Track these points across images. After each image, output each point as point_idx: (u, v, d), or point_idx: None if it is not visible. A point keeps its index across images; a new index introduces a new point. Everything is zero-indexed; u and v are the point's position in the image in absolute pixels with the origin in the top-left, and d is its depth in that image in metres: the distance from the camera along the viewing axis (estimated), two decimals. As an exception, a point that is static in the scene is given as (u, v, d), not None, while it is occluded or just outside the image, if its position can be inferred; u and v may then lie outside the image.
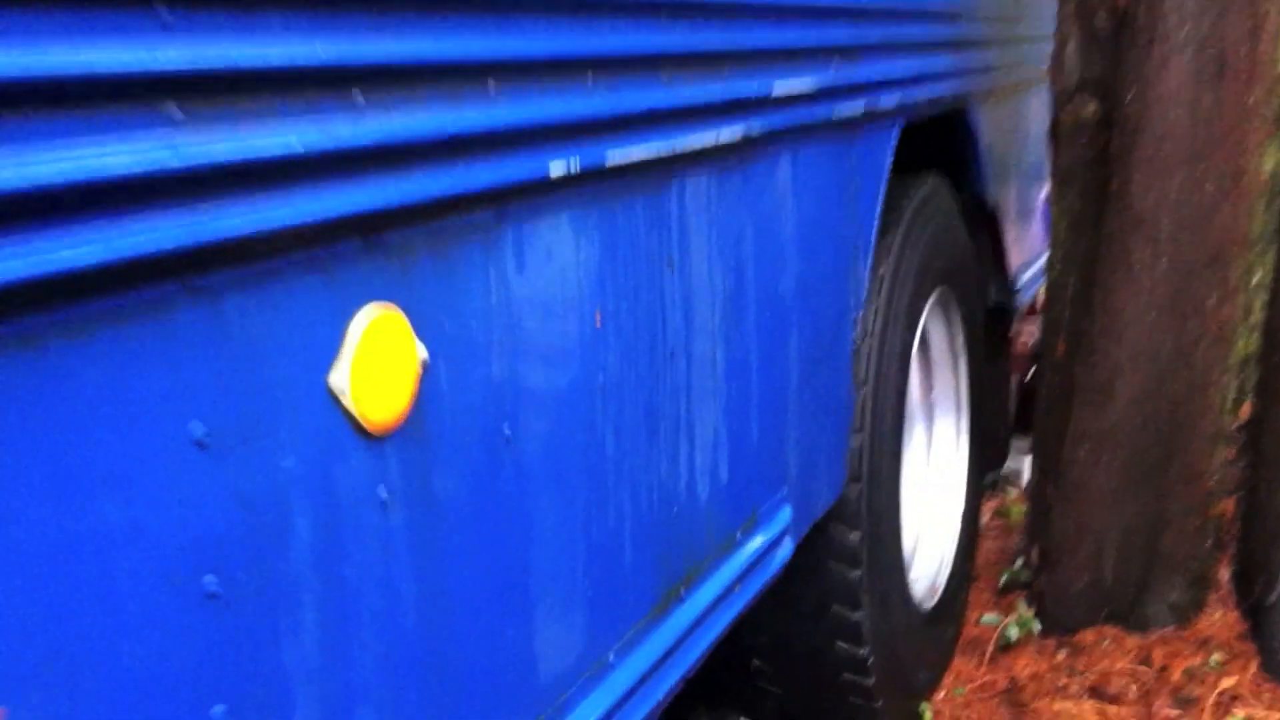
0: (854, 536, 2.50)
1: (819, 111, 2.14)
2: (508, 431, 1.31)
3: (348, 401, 1.04)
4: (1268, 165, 2.94)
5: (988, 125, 3.32)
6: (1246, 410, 3.08)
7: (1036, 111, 4.03)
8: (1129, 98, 2.94)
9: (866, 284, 2.49)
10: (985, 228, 3.48)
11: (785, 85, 1.97)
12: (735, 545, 1.94)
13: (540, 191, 1.34)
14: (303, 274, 0.99)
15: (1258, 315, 3.03)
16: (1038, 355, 4.54)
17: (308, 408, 1.01)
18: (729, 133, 1.77)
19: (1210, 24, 2.83)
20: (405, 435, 1.14)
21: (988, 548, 3.78)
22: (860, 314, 2.46)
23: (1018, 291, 3.82)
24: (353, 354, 1.04)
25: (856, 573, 2.51)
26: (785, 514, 2.09)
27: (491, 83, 1.22)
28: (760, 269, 1.98)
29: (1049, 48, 3.22)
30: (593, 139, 1.42)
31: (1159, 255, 2.96)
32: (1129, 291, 3.01)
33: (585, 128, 1.40)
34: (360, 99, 1.01)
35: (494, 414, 1.29)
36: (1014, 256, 3.73)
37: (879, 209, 2.52)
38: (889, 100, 2.47)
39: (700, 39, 1.67)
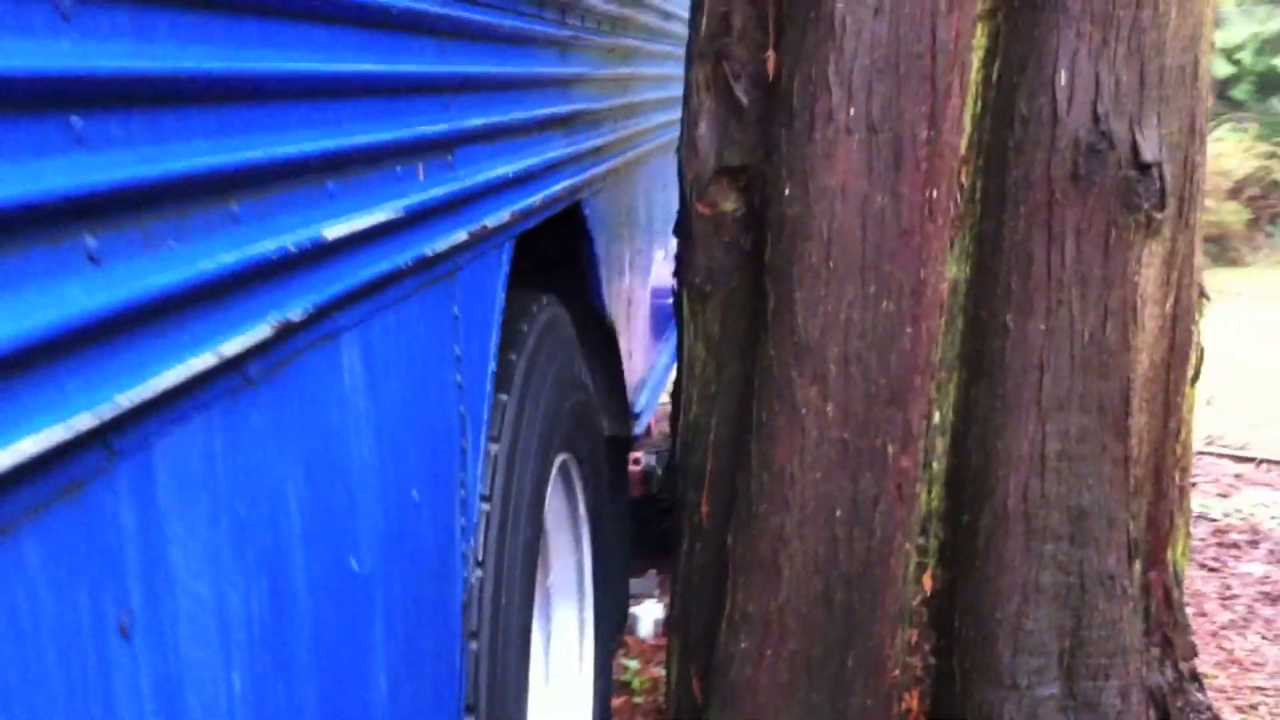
0: None
1: (402, 251, 1.36)
2: None
3: None
4: (950, 276, 2.46)
5: (604, 219, 2.67)
6: (928, 581, 2.60)
7: (652, 186, 3.46)
8: (787, 192, 2.38)
9: (481, 487, 1.73)
10: (601, 346, 2.82)
11: (345, 221, 1.17)
12: None
13: None
14: None
15: (940, 463, 2.55)
16: (648, 475, 3.99)
17: None
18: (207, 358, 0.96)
19: (883, 101, 2.32)
20: None
21: (612, 745, 3.11)
22: (475, 540, 1.70)
23: (637, 417, 3.19)
24: None
25: None
26: None
27: None
28: (271, 565, 1.16)
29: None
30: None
31: (828, 394, 2.41)
32: (794, 441, 2.44)
33: None
34: None
35: None
36: (631, 376, 3.11)
37: (492, 368, 1.77)
38: (501, 211, 1.74)
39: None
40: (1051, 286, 2.38)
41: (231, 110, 0.97)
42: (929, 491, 2.56)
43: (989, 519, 2.47)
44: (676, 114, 4.08)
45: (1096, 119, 2.32)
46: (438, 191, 1.47)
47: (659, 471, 3.93)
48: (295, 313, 1.05)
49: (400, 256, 1.34)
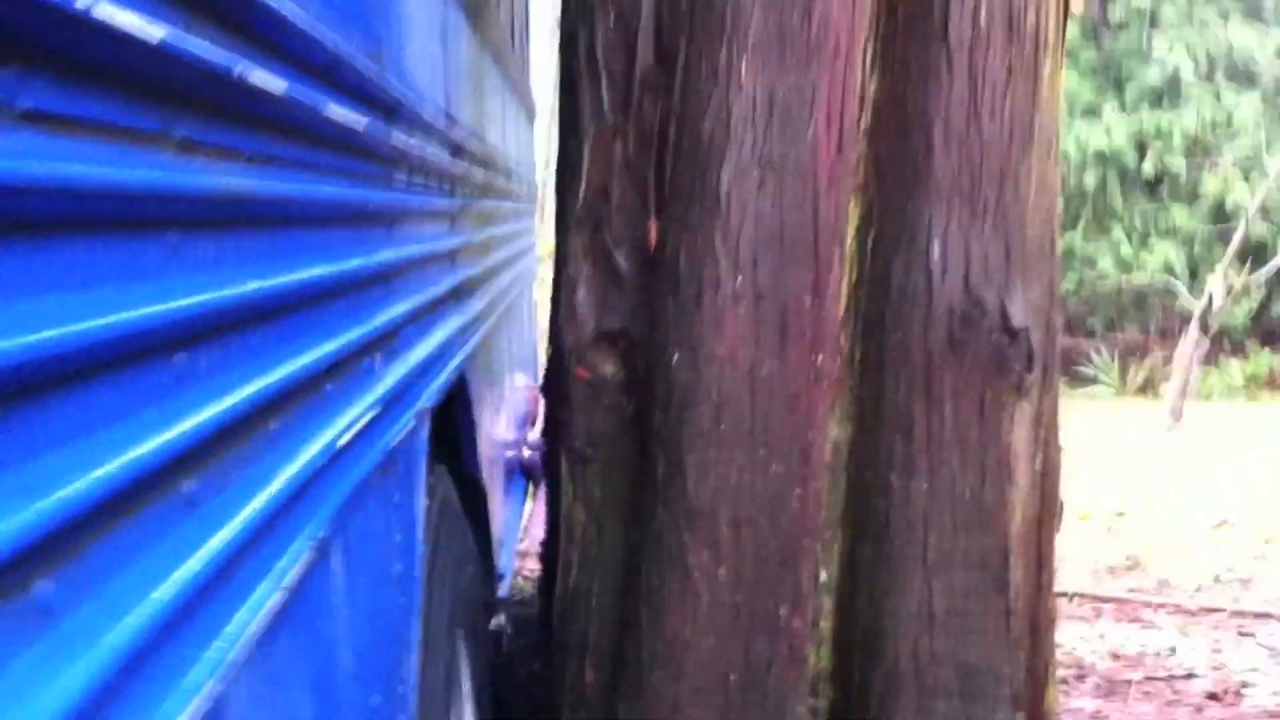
0: None
1: (373, 446, 1.33)
2: None
3: None
4: (832, 438, 2.54)
5: (478, 384, 2.66)
6: (818, 741, 2.62)
7: (499, 342, 3.46)
8: (675, 359, 2.43)
9: (414, 679, 1.67)
10: (475, 512, 2.78)
11: (345, 425, 1.15)
12: None
13: None
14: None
15: (828, 623, 2.60)
16: (499, 637, 3.91)
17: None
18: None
19: (769, 272, 2.41)
20: None
21: None
22: (411, 739, 1.63)
23: (501, 579, 3.15)
24: None
25: None
26: None
27: None
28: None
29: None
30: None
31: (720, 559, 2.44)
32: (686, 608, 2.45)
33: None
34: None
35: None
36: (496, 537, 3.06)
37: (421, 553, 1.73)
38: (429, 389, 1.72)
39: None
40: (932, 447, 2.48)
41: (275, 327, 0.95)
42: (818, 652, 2.60)
43: (881, 679, 2.52)
44: (518, 271, 4.14)
45: (968, 289, 2.46)
46: (391, 379, 1.45)
47: (508, 632, 3.87)
48: (323, 529, 1.02)
49: (372, 453, 1.31)
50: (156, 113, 0.69)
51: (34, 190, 0.53)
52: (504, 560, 3.30)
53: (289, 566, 0.92)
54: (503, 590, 3.20)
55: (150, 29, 0.62)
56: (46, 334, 0.56)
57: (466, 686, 2.51)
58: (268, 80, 0.85)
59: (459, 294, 2.30)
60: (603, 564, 2.63)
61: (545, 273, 4.76)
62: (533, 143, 5.09)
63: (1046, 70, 2.48)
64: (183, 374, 0.75)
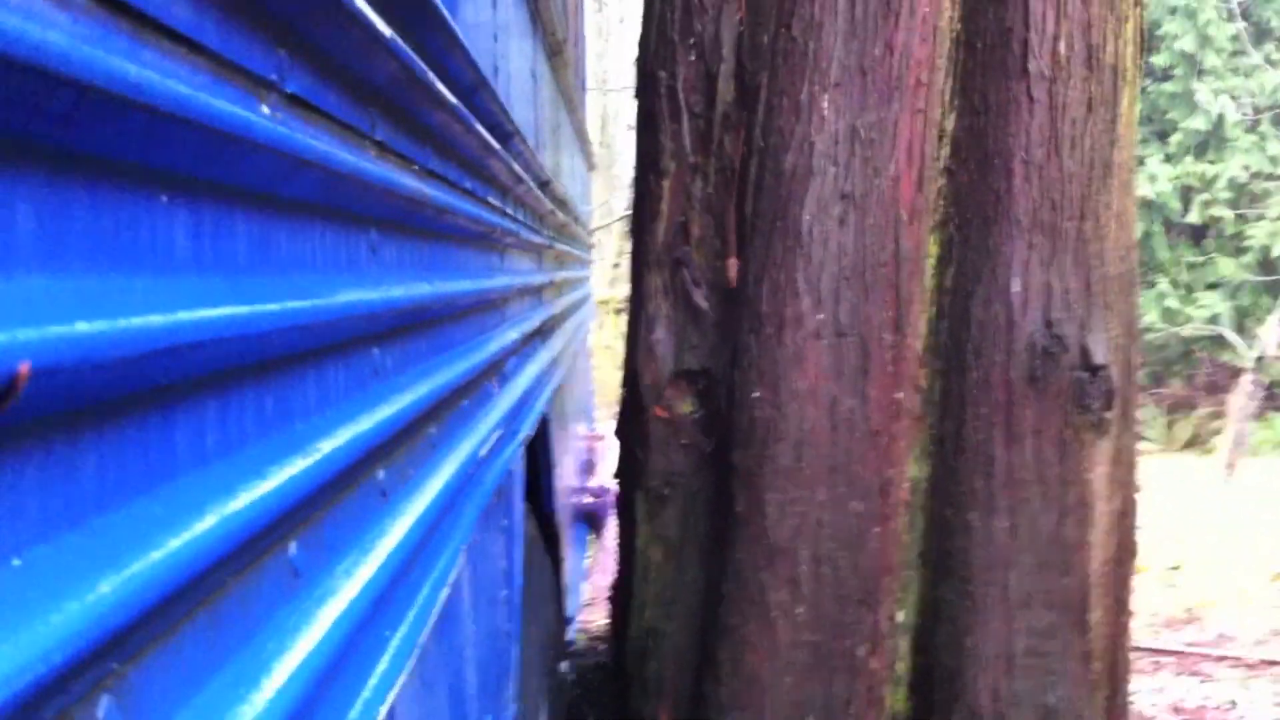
0: None
1: (493, 467, 1.36)
2: None
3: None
4: (910, 475, 2.55)
5: (554, 422, 2.69)
6: (898, 782, 2.61)
7: (566, 384, 3.49)
8: (756, 395, 2.45)
9: (516, 707, 1.69)
10: (550, 553, 2.80)
11: (483, 434, 1.18)
12: None
13: None
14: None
15: (904, 664, 2.59)
16: (562, 683, 3.92)
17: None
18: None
19: (849, 307, 2.43)
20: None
21: None
22: (516, 764, 1.65)
23: (570, 621, 3.16)
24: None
25: None
26: None
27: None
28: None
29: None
30: None
31: (800, 597, 2.44)
32: (766, 645, 2.45)
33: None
34: None
35: None
36: (565, 581, 3.08)
37: (520, 582, 1.75)
38: (528, 417, 1.75)
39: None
40: (1012, 485, 2.48)
41: (434, 335, 0.98)
42: (895, 693, 2.59)
43: (962, 720, 2.51)
44: (582, 316, 4.18)
45: (1049, 324, 2.47)
46: (505, 404, 1.48)
47: (570, 679, 3.88)
48: (469, 537, 1.05)
49: (495, 472, 1.34)
50: (366, 113, 0.73)
51: (296, 163, 0.57)
52: (571, 605, 3.31)
53: (449, 566, 0.94)
54: (569, 635, 3.22)
55: (383, 25, 0.66)
56: (300, 304, 0.59)
57: (545, 725, 2.52)
58: (443, 91, 0.89)
59: (544, 331, 2.34)
60: (679, 603, 2.64)
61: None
62: (590, 190, 5.15)
63: (1124, 102, 2.51)
64: (378, 368, 0.78)
